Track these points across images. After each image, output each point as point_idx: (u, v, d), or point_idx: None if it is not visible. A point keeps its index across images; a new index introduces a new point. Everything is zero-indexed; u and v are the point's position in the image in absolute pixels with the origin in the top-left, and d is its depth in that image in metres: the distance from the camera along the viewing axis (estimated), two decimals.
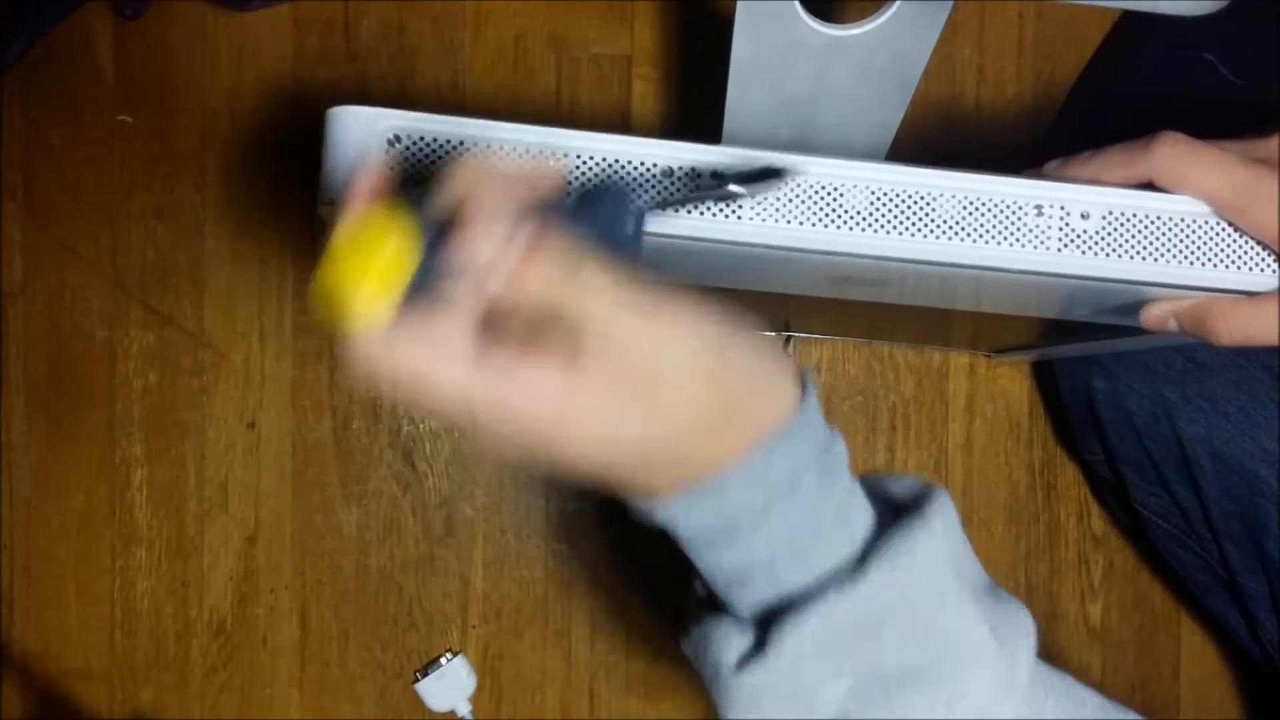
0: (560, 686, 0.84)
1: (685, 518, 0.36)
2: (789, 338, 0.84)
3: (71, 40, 0.80)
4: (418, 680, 0.80)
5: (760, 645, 0.35)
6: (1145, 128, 0.76)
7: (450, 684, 0.80)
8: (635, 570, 0.84)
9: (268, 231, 0.81)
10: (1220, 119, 0.75)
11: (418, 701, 0.80)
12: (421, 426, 0.82)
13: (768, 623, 0.36)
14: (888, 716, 0.35)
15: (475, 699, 0.81)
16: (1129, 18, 0.83)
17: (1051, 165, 0.46)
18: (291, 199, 0.81)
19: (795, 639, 0.35)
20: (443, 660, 0.81)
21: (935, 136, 0.85)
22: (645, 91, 0.83)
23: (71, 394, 0.80)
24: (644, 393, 0.32)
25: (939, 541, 0.36)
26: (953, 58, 0.85)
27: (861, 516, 0.37)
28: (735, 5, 0.41)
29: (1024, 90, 0.86)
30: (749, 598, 0.37)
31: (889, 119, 0.48)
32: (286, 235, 0.81)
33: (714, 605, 0.39)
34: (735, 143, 0.41)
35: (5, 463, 0.80)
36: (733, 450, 0.34)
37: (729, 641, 0.36)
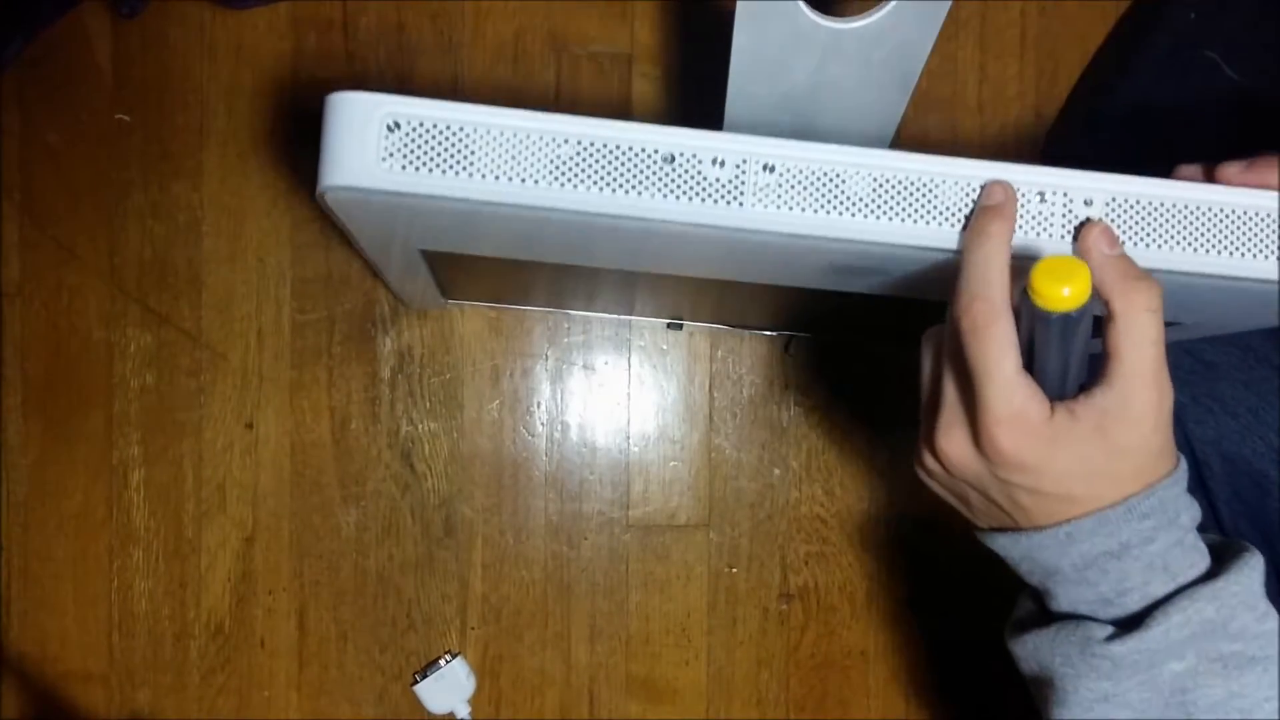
0: (560, 688, 0.83)
1: (1078, 544, 0.45)
2: (790, 338, 0.84)
3: (69, 39, 0.79)
4: (416, 682, 0.80)
5: (1120, 632, 0.44)
6: (1147, 127, 0.76)
7: (449, 686, 0.80)
8: (636, 571, 0.84)
9: (266, 231, 0.81)
10: (1222, 118, 0.75)
11: (417, 703, 0.80)
12: (420, 427, 0.82)
13: (1125, 621, 0.45)
14: (1223, 688, 0.43)
15: (474, 701, 0.81)
16: (1131, 16, 0.82)
17: (1233, 169, 0.48)
18: (289, 198, 0.81)
19: (1164, 624, 0.43)
20: (442, 662, 0.81)
21: (937, 135, 0.84)
22: (645, 90, 0.83)
23: (69, 394, 0.80)
24: (1119, 454, 0.43)
25: (1263, 569, 0.46)
26: (955, 56, 0.85)
27: (1204, 548, 0.46)
28: (735, 5, 0.40)
29: (1026, 89, 0.85)
30: (1116, 610, 0.45)
31: (890, 113, 0.47)
32: (284, 234, 0.81)
33: (1046, 617, 0.48)
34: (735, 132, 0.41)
35: (3, 464, 0.80)
36: (1128, 491, 0.44)
37: (1091, 630, 0.45)
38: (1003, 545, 0.48)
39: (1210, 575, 0.45)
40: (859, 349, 0.84)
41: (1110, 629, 0.45)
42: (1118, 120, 0.77)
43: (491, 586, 0.83)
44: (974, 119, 0.85)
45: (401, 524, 0.82)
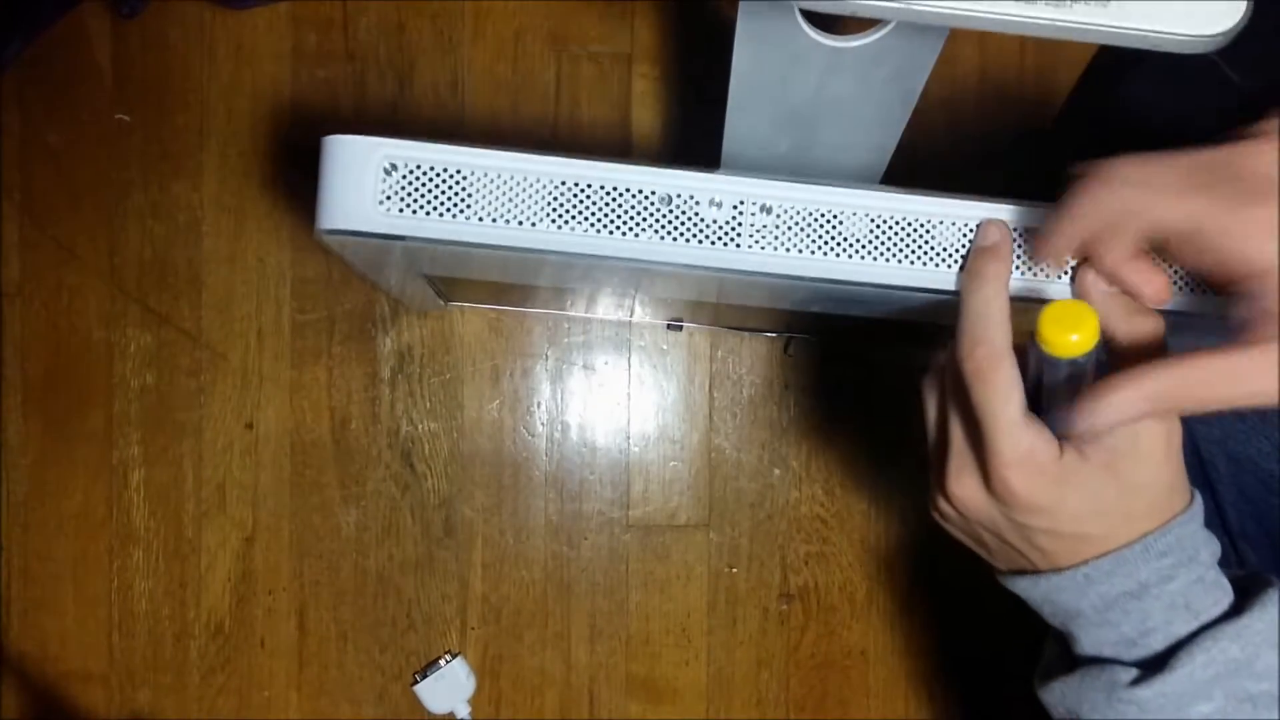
0: (560, 688, 0.84)
1: (1096, 585, 0.44)
2: (790, 339, 0.84)
3: (69, 39, 0.79)
4: (416, 682, 0.80)
5: (1145, 675, 0.43)
6: (1149, 131, 0.76)
7: (449, 686, 0.80)
8: (636, 571, 0.84)
9: (265, 231, 0.81)
10: (1225, 120, 0.74)
11: (417, 703, 0.80)
12: (420, 427, 0.82)
13: (1149, 663, 0.44)
14: None
15: (474, 701, 0.81)
16: None
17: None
18: (289, 198, 0.81)
19: (1189, 666, 0.42)
20: (442, 662, 0.81)
21: (937, 136, 0.84)
22: (645, 90, 0.83)
23: (69, 394, 0.80)
24: (1130, 492, 0.43)
25: None
26: (955, 58, 0.84)
27: (1227, 585, 0.45)
28: (736, 15, 0.40)
29: (1026, 89, 0.85)
30: (1140, 652, 0.45)
31: (891, 131, 0.47)
32: (284, 234, 0.81)
33: (1071, 662, 0.47)
34: (735, 156, 0.41)
35: (3, 464, 0.80)
36: (1143, 529, 0.44)
37: (1116, 674, 0.44)
38: (1023, 588, 0.47)
39: (1234, 612, 0.44)
40: (860, 348, 0.84)
41: (1135, 672, 0.44)
42: (1118, 125, 0.77)
43: (491, 586, 0.83)
44: (974, 118, 0.85)
45: (401, 524, 0.82)
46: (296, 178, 0.81)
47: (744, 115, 0.46)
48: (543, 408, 0.83)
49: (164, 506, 0.81)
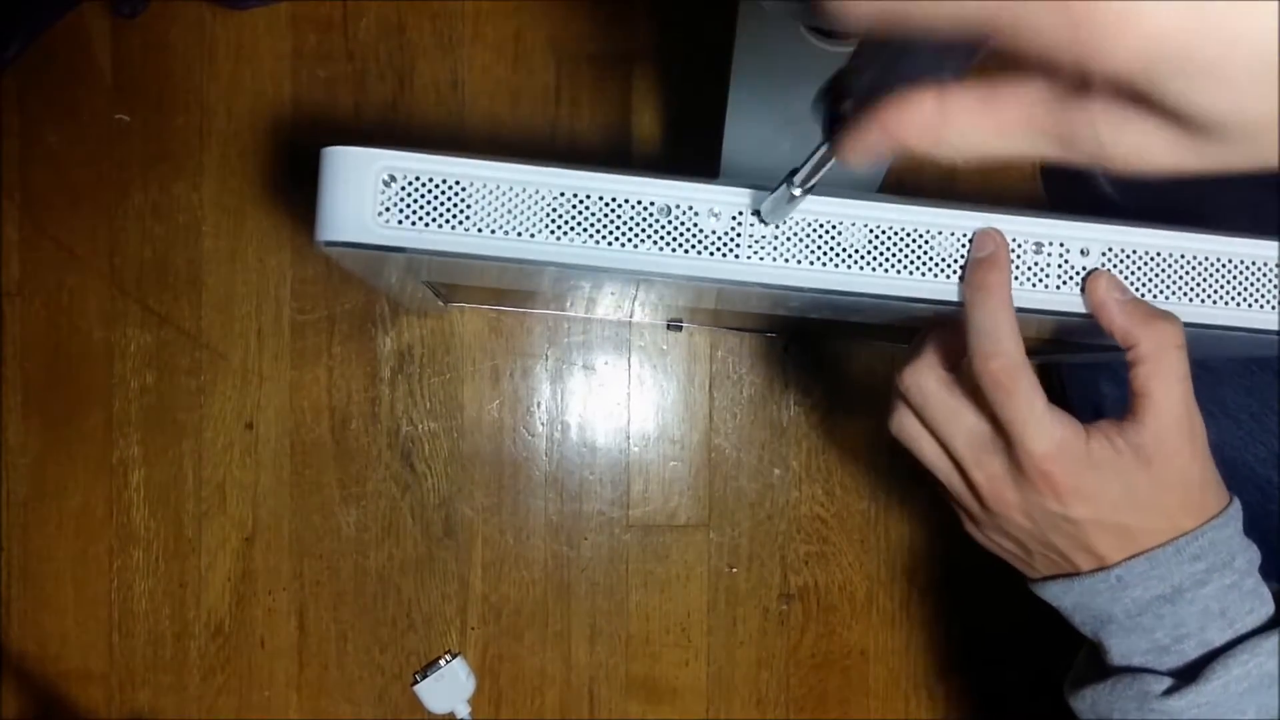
0: (560, 688, 0.84)
1: (1130, 588, 0.44)
2: (790, 339, 0.84)
3: (69, 39, 0.79)
4: (417, 682, 0.80)
5: (1178, 685, 0.43)
6: None
7: (449, 686, 0.80)
8: (636, 571, 0.84)
9: (265, 231, 0.81)
10: None
11: (417, 703, 0.80)
12: (420, 427, 0.82)
13: (1183, 672, 0.44)
14: None
15: (474, 700, 0.81)
16: None
17: None
18: (289, 198, 0.81)
19: (1224, 677, 0.42)
20: (442, 662, 0.81)
21: None
22: (645, 90, 0.83)
23: (69, 394, 0.80)
24: (1162, 485, 0.43)
25: None
26: None
27: (1267, 593, 0.46)
28: (736, 18, 0.40)
29: None
30: (1172, 659, 0.45)
31: None
32: (284, 234, 0.81)
33: (1103, 671, 0.47)
34: (734, 162, 0.41)
35: (3, 463, 0.80)
36: (1179, 524, 0.44)
37: (1148, 684, 0.44)
38: (1055, 594, 0.47)
39: (1272, 624, 0.44)
40: (859, 348, 0.84)
41: (1168, 681, 0.44)
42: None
43: (491, 586, 0.83)
44: None
45: (401, 524, 0.82)
46: (297, 178, 0.81)
47: (744, 121, 0.46)
48: (543, 408, 0.83)
49: (164, 506, 0.81)
